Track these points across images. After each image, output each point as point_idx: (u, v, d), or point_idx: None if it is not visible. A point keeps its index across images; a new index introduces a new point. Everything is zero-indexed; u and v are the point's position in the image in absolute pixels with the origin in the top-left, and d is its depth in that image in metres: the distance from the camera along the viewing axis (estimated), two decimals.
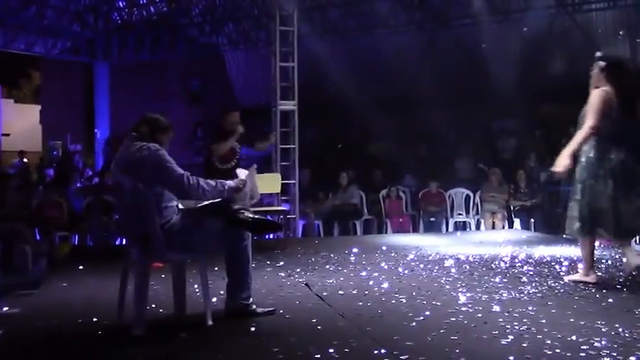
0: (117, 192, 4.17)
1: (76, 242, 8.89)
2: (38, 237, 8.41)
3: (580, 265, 5.45)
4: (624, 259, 5.19)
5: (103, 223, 8.63)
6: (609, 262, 6.07)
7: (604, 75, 4.93)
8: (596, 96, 4.88)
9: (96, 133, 16.99)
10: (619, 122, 4.86)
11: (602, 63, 4.97)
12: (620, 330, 3.68)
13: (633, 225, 4.91)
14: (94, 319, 4.15)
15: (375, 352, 3.39)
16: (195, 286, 4.68)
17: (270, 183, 7.66)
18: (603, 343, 3.45)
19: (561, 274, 5.47)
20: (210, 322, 3.99)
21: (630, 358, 3.22)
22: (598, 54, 5.09)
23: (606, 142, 4.88)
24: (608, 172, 4.85)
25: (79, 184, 11.00)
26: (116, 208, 7.06)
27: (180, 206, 4.12)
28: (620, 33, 11.92)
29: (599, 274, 5.30)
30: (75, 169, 13.51)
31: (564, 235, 5.26)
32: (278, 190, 7.96)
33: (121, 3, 15.24)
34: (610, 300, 4.48)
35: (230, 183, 4.13)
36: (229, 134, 7.08)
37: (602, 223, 4.91)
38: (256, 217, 4.23)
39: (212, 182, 4.03)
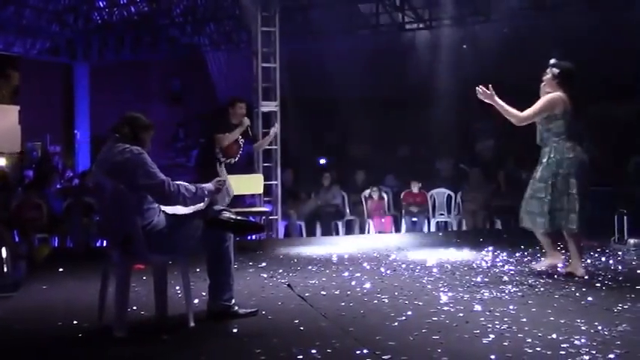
0: (98, 193, 4.13)
1: (56, 244, 8.79)
2: (17, 239, 8.30)
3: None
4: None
5: (84, 224, 8.55)
6: (588, 260, 6.14)
7: (557, 81, 5.33)
8: (549, 98, 5.28)
9: (76, 134, 16.82)
10: (573, 123, 5.26)
11: (555, 70, 5.35)
12: (600, 328, 3.73)
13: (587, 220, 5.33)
14: (75, 322, 4.12)
15: (358, 352, 3.40)
16: (177, 287, 4.66)
17: (252, 184, 7.63)
18: (583, 341, 3.50)
19: (543, 274, 5.53)
20: (192, 324, 3.98)
21: (609, 355, 3.27)
22: (552, 61, 5.42)
23: (564, 143, 5.25)
24: (570, 171, 5.21)
25: (58, 186, 10.87)
26: (97, 209, 7.00)
27: (165, 209, 4.09)
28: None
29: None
30: (54, 170, 13.36)
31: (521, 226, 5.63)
32: (260, 190, 7.93)
33: (101, 3, 15.09)
34: (589, 298, 4.53)
35: (209, 186, 4.12)
36: (235, 126, 6.91)
37: (564, 219, 5.26)
38: (238, 218, 4.23)
39: (192, 188, 4.01)
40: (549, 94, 5.32)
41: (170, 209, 4.06)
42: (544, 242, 5.51)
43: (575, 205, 5.19)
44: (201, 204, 4.09)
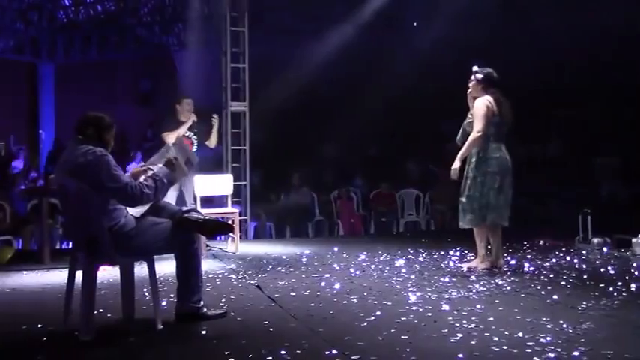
0: (61, 195, 4.06)
1: (20, 246, 8.64)
2: None
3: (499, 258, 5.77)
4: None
5: (49, 226, 8.39)
6: (553, 259, 6.25)
7: (481, 86, 5.70)
8: (481, 105, 5.63)
9: (41, 134, 16.54)
10: (499, 124, 5.65)
11: (479, 75, 5.73)
12: (565, 326, 3.80)
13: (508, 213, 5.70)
14: (40, 325, 4.05)
15: (327, 352, 3.40)
16: (145, 289, 4.61)
17: (221, 184, 7.60)
18: (548, 339, 3.55)
19: (508, 272, 5.61)
20: (160, 326, 3.94)
21: (573, 353, 3.32)
22: (475, 68, 5.78)
23: (491, 143, 5.63)
24: (496, 168, 5.60)
25: (23, 187, 10.67)
26: (61, 210, 6.87)
27: (131, 212, 4.03)
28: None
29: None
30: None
31: (460, 226, 5.89)
32: (230, 191, 7.88)
33: (66, 1, 14.87)
34: (555, 297, 4.61)
35: (164, 171, 4.07)
36: (182, 122, 6.97)
37: (491, 213, 5.62)
38: (207, 218, 4.20)
39: (151, 183, 3.94)
40: (478, 99, 5.66)
41: (136, 211, 4.00)
42: (478, 241, 5.78)
43: (502, 201, 5.59)
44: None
